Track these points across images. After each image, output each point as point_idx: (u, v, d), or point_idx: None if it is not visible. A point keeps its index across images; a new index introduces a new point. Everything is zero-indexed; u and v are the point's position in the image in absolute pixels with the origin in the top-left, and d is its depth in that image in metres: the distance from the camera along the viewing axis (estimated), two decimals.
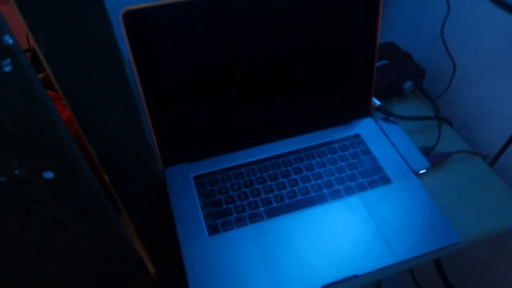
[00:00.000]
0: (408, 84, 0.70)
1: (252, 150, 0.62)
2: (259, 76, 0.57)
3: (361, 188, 0.57)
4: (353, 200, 0.56)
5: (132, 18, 0.49)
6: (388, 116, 0.67)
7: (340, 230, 0.52)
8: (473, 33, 0.65)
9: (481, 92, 0.67)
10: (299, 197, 0.56)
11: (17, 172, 0.39)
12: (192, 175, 0.58)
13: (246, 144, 0.62)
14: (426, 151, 0.62)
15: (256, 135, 0.62)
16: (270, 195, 0.56)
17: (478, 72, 0.66)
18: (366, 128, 0.66)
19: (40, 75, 0.67)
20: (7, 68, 0.32)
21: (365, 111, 0.67)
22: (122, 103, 0.47)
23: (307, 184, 0.57)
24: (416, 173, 0.59)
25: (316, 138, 0.64)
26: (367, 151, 0.62)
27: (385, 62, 0.73)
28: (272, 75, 0.57)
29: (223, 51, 0.53)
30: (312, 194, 0.56)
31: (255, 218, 0.54)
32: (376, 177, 0.58)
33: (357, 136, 0.64)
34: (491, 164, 0.66)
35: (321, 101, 0.63)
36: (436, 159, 0.61)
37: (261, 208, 0.54)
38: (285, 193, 0.56)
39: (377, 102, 0.67)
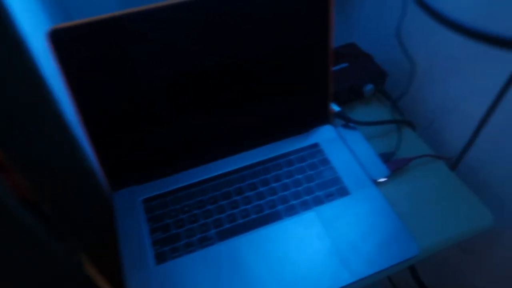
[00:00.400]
0: (369, 87, 0.68)
1: (205, 167, 0.59)
2: (207, 88, 0.54)
3: (318, 202, 0.55)
4: (309, 216, 0.53)
5: (61, 37, 0.45)
6: (347, 122, 0.64)
7: (295, 250, 0.50)
8: (432, 31, 0.62)
9: (443, 92, 0.64)
10: (253, 216, 0.53)
11: None
12: (141, 199, 0.56)
13: (199, 162, 0.60)
14: (387, 158, 0.60)
15: (208, 151, 0.60)
16: (222, 215, 0.53)
17: (439, 72, 0.64)
18: (325, 136, 0.63)
19: None
20: None
21: (323, 118, 0.64)
22: (48, 128, 0.44)
23: (261, 202, 0.55)
24: (376, 182, 0.57)
25: (272, 150, 0.61)
26: (326, 161, 0.59)
27: (345, 65, 0.70)
28: (222, 86, 0.55)
29: (164, 66, 0.50)
30: (266, 211, 0.54)
31: (205, 242, 0.51)
32: (333, 189, 0.56)
33: (315, 145, 0.62)
34: (454, 166, 0.64)
35: (276, 111, 0.61)
36: (396, 165, 0.59)
37: (212, 231, 0.52)
38: (238, 213, 0.54)
39: (336, 108, 0.65)
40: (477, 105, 0.59)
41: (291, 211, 0.54)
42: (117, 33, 0.46)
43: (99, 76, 0.49)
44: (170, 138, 0.56)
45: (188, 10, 0.48)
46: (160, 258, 0.50)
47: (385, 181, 0.58)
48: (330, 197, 0.55)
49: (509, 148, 0.56)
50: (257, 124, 0.61)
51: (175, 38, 0.49)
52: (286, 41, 0.55)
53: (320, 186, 0.56)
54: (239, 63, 0.53)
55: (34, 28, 0.43)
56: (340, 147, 0.61)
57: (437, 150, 0.63)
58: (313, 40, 0.56)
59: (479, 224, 0.54)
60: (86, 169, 0.50)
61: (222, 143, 0.60)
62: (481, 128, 0.58)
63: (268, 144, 0.62)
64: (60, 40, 0.45)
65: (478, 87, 0.58)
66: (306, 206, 0.54)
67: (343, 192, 0.56)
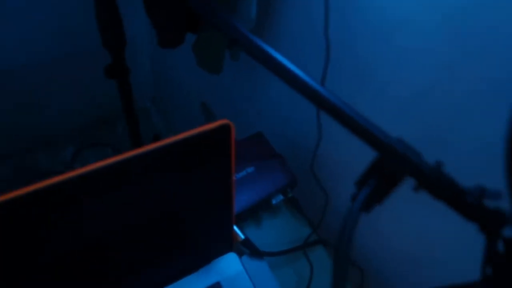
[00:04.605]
0: (278, 199, 0.59)
1: None
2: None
3: None
4: None
5: None
6: (253, 251, 0.55)
7: None
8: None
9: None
10: None
11: None
12: None
13: None
14: None
15: None
16: None
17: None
18: (229, 271, 0.53)
19: None
20: None
21: (226, 247, 0.54)
22: None
23: None
24: None
25: None
26: None
27: (251, 169, 0.60)
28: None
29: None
30: None
31: None
32: None
33: (216, 286, 0.52)
34: None
35: (168, 244, 0.49)
36: None
37: None
38: None
39: (241, 236, 0.55)
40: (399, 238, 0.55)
41: None
42: None
43: None
44: None
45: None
46: None
47: None
48: None
49: None
50: (144, 261, 0.48)
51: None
52: (185, 187, 0.42)
53: None
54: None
55: None
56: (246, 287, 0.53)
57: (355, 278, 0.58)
58: (214, 184, 0.45)
59: None
60: None
61: None
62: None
63: None
64: None
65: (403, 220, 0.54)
66: None
67: None
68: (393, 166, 0.28)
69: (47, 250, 0.37)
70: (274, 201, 0.59)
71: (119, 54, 0.57)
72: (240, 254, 0.56)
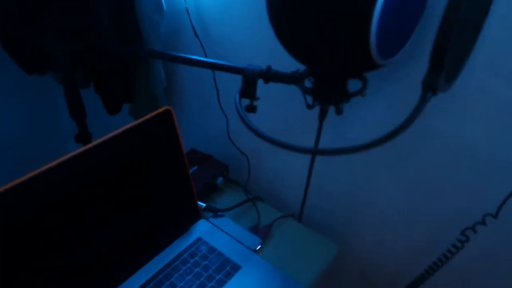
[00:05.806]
0: (220, 180, 0.85)
1: None
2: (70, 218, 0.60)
3: (222, 283, 0.66)
4: None
5: None
6: (215, 212, 0.79)
7: None
8: None
9: (274, 165, 0.87)
10: None
11: None
12: None
13: None
14: (255, 230, 0.77)
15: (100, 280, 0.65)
16: None
17: (268, 152, 0.87)
18: (203, 229, 0.76)
19: None
20: None
21: (196, 216, 0.78)
22: None
23: None
24: (255, 251, 0.73)
25: (165, 257, 0.70)
26: (213, 249, 0.72)
27: (195, 168, 0.86)
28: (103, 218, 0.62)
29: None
30: None
31: None
32: (228, 268, 0.69)
33: (199, 239, 0.74)
34: (300, 217, 0.86)
35: (154, 225, 0.70)
36: (264, 233, 0.76)
37: None
38: None
39: (203, 205, 0.79)
40: (299, 172, 0.83)
41: None
42: None
43: None
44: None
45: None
46: None
47: (260, 248, 0.74)
48: (229, 275, 0.68)
49: (328, 191, 0.81)
50: (142, 240, 0.69)
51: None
52: (152, 174, 0.67)
53: (217, 270, 0.68)
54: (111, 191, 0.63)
55: None
56: (218, 233, 0.75)
57: (285, 210, 0.83)
58: (172, 166, 0.70)
59: (330, 254, 0.75)
60: None
61: (115, 268, 0.66)
62: (308, 185, 0.81)
63: (158, 255, 0.71)
64: None
65: (295, 160, 0.82)
66: None
67: (236, 267, 0.69)
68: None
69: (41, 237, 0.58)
70: (218, 182, 0.85)
71: (83, 123, 0.84)
72: (207, 219, 0.79)
